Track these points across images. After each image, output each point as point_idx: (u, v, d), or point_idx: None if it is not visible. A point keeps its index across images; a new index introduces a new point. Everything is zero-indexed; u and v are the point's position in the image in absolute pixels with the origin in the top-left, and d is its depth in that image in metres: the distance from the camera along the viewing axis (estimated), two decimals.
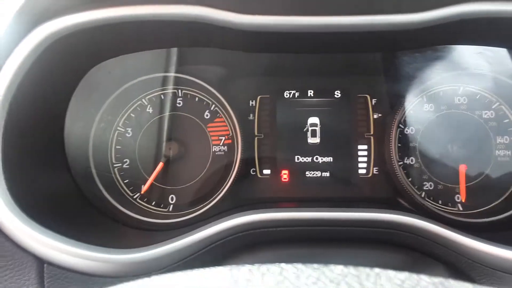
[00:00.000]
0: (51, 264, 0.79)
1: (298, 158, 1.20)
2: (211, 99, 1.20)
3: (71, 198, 1.02)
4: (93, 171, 1.14)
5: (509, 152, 1.14)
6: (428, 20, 0.85)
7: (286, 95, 1.21)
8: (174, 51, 1.19)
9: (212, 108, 1.20)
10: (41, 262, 0.79)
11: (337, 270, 0.37)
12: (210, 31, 0.92)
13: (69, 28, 0.84)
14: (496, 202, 1.14)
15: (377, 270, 0.37)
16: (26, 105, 0.87)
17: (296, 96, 1.21)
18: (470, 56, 1.14)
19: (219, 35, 0.94)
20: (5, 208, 0.77)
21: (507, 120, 1.15)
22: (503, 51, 1.08)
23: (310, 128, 1.20)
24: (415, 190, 1.17)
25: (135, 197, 1.18)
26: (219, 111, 1.20)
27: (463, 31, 0.91)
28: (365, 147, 1.19)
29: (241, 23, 0.88)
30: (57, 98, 1.00)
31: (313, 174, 1.20)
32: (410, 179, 1.17)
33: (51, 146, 1.00)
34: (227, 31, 0.90)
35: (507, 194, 1.14)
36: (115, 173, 1.17)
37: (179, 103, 1.21)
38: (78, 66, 1.01)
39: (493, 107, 1.15)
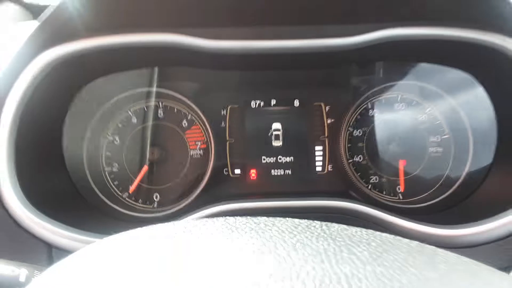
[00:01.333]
0: (57, 248, 0.97)
1: (264, 159, 1.38)
2: (187, 109, 1.37)
3: (71, 197, 1.19)
4: (88, 174, 1.31)
5: (441, 149, 1.35)
6: (359, 42, 1.06)
7: (253, 105, 1.38)
8: (155, 70, 1.35)
9: (189, 118, 1.37)
10: (49, 247, 0.96)
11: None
12: (184, 54, 1.11)
13: (69, 54, 1.02)
14: (430, 191, 1.35)
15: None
16: (32, 120, 1.04)
17: (261, 105, 1.38)
18: (403, 69, 1.35)
19: (192, 57, 1.13)
20: (20, 205, 0.94)
21: (438, 121, 1.35)
22: (426, 66, 1.29)
23: (274, 133, 1.37)
24: (363, 183, 1.37)
25: (124, 196, 1.35)
26: (195, 120, 1.37)
27: (390, 50, 1.12)
28: (321, 148, 1.37)
29: (209, 47, 1.07)
30: (56, 113, 1.17)
31: (277, 172, 1.38)
32: (359, 174, 1.37)
33: (52, 154, 1.17)
34: (198, 53, 1.09)
35: (438, 184, 1.35)
36: (106, 176, 1.34)
37: (160, 114, 1.37)
38: (74, 85, 1.19)
39: (426, 111, 1.36)
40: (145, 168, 1.34)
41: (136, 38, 1.06)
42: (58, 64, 1.03)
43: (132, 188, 1.34)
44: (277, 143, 1.38)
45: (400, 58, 1.27)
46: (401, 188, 1.35)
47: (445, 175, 1.34)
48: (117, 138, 1.36)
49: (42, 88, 1.03)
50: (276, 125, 1.38)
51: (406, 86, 1.36)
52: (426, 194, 1.35)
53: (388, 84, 1.37)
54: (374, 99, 1.38)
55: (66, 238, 0.96)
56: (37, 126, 1.07)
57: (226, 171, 1.37)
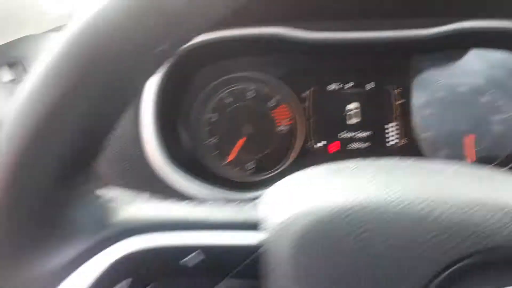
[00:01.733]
0: (190, 197, 1.22)
1: (341, 134, 1.57)
2: (275, 91, 1.56)
3: (190, 162, 1.45)
4: (196, 145, 1.55)
5: (503, 127, 1.52)
6: (436, 33, 1.25)
7: (331, 87, 1.56)
8: (248, 57, 1.55)
9: (276, 97, 1.57)
10: (184, 197, 1.22)
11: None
12: (283, 44, 1.33)
13: (195, 44, 1.27)
14: (495, 163, 1.52)
15: None
16: (164, 101, 1.29)
17: (338, 88, 1.56)
18: (466, 56, 1.50)
19: (288, 46, 1.35)
20: (167, 163, 1.21)
21: (499, 102, 1.52)
22: (495, 54, 1.46)
23: (349, 112, 1.56)
24: (433, 156, 1.53)
25: (222, 164, 1.59)
26: (282, 100, 1.57)
27: (463, 40, 1.31)
28: (394, 124, 1.55)
29: (308, 37, 1.29)
30: (177, 92, 1.43)
31: (353, 146, 1.57)
32: (429, 148, 1.54)
33: (173, 128, 1.43)
34: (296, 43, 1.31)
35: (504, 157, 1.51)
36: (208, 147, 1.58)
37: (251, 95, 1.58)
38: (189, 71, 1.45)
39: (488, 93, 1.51)
40: (242, 140, 1.56)
41: (248, 31, 1.29)
42: (185, 52, 1.27)
43: (230, 157, 1.57)
44: (352, 121, 1.56)
45: (467, 47, 1.44)
46: (468, 161, 1.52)
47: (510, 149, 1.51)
48: (214, 115, 1.58)
49: (172, 72, 1.28)
50: (352, 105, 1.56)
51: (469, 71, 1.52)
52: (493, 165, 1.52)
53: (453, 70, 1.53)
54: (441, 82, 1.54)
55: (196, 190, 1.22)
56: (166, 101, 1.32)
57: (309, 144, 1.57)
